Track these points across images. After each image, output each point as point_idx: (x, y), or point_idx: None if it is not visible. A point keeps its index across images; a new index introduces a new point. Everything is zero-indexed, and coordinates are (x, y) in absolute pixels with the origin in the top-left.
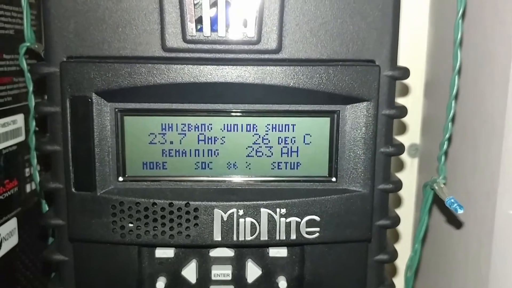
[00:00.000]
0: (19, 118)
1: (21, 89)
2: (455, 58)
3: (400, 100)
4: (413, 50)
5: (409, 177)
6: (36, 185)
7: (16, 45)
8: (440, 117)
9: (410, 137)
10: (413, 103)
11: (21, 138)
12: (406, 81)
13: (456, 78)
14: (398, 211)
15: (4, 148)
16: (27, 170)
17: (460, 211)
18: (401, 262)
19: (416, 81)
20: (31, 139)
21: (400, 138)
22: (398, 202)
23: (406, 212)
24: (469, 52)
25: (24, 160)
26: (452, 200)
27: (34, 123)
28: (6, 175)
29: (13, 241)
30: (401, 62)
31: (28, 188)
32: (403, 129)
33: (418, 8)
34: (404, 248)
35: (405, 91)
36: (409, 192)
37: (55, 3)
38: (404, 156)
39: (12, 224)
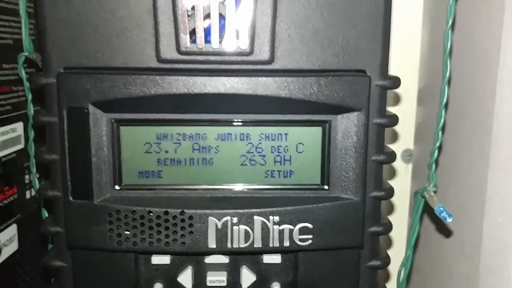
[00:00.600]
0: (19, 126)
1: (20, 98)
2: (445, 67)
3: (394, 107)
4: (407, 56)
5: (403, 182)
6: (36, 192)
7: (15, 54)
8: (433, 124)
9: (405, 143)
10: (408, 109)
11: (20, 146)
12: (400, 87)
13: (445, 87)
14: (392, 217)
15: (4, 156)
16: (26, 177)
17: (449, 220)
18: (395, 268)
19: (409, 88)
20: (30, 147)
21: (395, 144)
22: (392, 207)
23: (400, 218)
24: (459, 60)
25: (23, 167)
26: (441, 209)
27: (33, 132)
28: (5, 182)
29: (13, 247)
30: (395, 68)
31: (27, 195)
32: (397, 135)
33: (411, 16)
34: (397, 254)
35: (399, 98)
36: (403, 197)
37: (49, 14)
38: (398, 162)
39: (12, 230)
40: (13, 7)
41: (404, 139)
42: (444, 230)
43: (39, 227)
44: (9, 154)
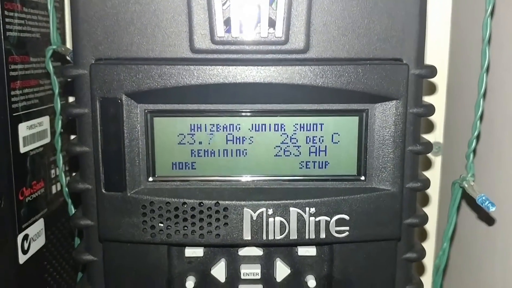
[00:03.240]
0: (45, 120)
1: (46, 92)
2: (484, 57)
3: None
4: (436, 48)
5: (431, 175)
6: (63, 186)
7: (41, 48)
8: (464, 116)
9: (433, 135)
10: (436, 101)
11: (47, 140)
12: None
13: (484, 76)
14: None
15: (31, 150)
16: (52, 171)
17: (492, 209)
18: (426, 260)
19: (438, 80)
20: (57, 141)
21: (424, 136)
22: (422, 200)
23: (430, 210)
24: (494, 50)
25: (49, 161)
26: (484, 198)
27: (60, 125)
28: (33, 176)
29: (41, 242)
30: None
31: (54, 190)
32: (425, 127)
33: (440, 7)
34: (428, 247)
35: (427, 90)
36: (432, 190)
37: (83, 7)
38: (427, 154)
39: (39, 225)
40: (40, 1)
41: (432, 131)
42: (480, 222)
43: (64, 222)
44: (36, 148)
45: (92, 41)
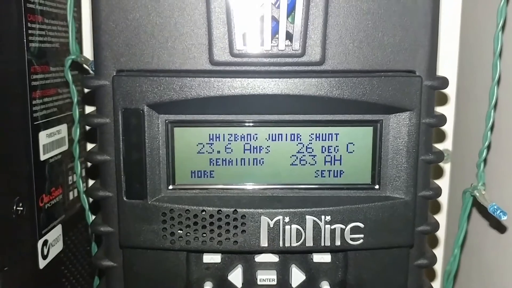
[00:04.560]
0: (63, 128)
1: (65, 100)
2: (495, 69)
3: None
4: (445, 58)
5: (440, 182)
6: (80, 193)
7: (60, 58)
8: (472, 125)
9: (442, 144)
10: (445, 110)
11: (65, 147)
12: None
13: (495, 88)
14: None
15: (51, 158)
16: (70, 178)
17: (504, 218)
18: (435, 267)
19: (447, 89)
20: (75, 148)
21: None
22: (431, 207)
23: (439, 217)
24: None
25: (67, 168)
26: (495, 207)
27: (78, 133)
28: (51, 183)
29: (59, 247)
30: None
31: (71, 196)
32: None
33: (450, 19)
34: (437, 253)
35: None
36: (441, 197)
37: (106, 19)
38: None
39: (57, 230)
40: (59, 12)
41: (442, 139)
42: (489, 229)
43: (81, 228)
44: (55, 155)
45: (114, 52)
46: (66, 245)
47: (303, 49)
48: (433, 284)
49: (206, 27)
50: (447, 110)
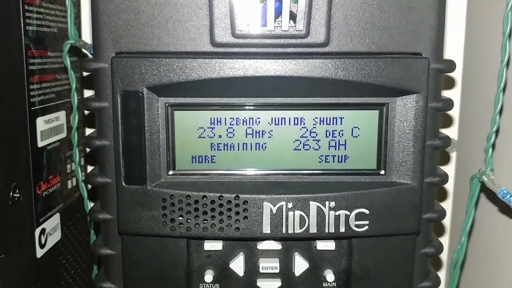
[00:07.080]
0: (61, 114)
1: (63, 87)
2: (504, 51)
3: None
4: (450, 43)
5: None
6: (79, 181)
7: (58, 42)
8: (479, 109)
9: (447, 131)
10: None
11: (63, 134)
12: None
13: (504, 71)
14: None
15: (48, 145)
16: (68, 166)
17: None
18: (441, 255)
19: (453, 75)
20: (74, 135)
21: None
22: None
23: (445, 205)
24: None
25: (65, 156)
26: (505, 191)
27: (77, 120)
28: (49, 171)
29: (57, 236)
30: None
31: (69, 185)
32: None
33: (456, 2)
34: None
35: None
36: (447, 184)
37: (104, 0)
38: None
39: (55, 219)
40: None
41: (447, 126)
42: (497, 216)
43: (79, 217)
44: (53, 142)
45: (113, 34)
46: (65, 235)
47: (307, 29)
48: (438, 272)
49: (207, 7)
50: (452, 96)
